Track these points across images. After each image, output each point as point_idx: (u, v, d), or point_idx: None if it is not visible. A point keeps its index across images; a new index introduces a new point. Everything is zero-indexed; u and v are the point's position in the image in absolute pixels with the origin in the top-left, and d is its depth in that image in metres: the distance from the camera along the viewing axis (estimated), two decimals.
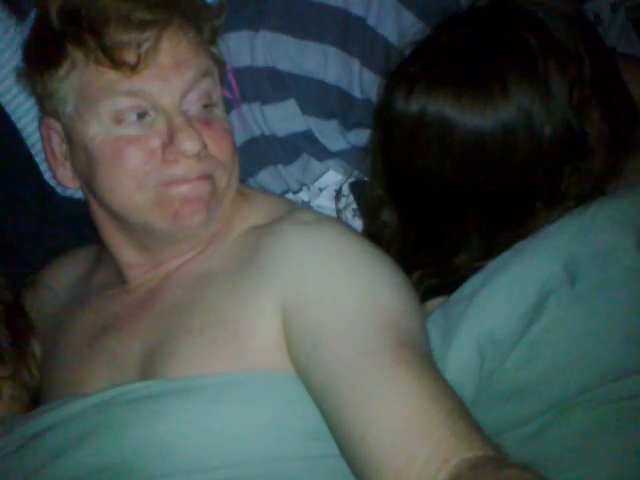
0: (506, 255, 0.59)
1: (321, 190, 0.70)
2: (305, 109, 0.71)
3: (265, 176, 0.73)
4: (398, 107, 0.60)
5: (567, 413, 0.54)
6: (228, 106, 0.69)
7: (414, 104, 0.59)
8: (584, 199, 0.60)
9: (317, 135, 0.71)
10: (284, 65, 0.71)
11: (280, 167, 0.72)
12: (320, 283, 0.54)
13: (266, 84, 0.71)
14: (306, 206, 0.73)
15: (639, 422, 0.53)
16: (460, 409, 0.47)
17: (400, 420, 0.46)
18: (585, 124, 0.57)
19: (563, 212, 0.59)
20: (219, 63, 0.63)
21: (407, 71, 0.61)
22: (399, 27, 0.68)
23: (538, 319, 0.55)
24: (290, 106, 0.71)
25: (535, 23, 0.56)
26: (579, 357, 0.55)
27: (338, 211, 0.70)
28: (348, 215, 0.70)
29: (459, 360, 0.56)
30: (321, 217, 0.63)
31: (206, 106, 0.58)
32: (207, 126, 0.57)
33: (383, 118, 0.63)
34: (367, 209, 0.69)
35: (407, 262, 0.66)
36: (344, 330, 0.51)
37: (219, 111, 0.60)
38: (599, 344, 0.54)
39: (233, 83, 0.71)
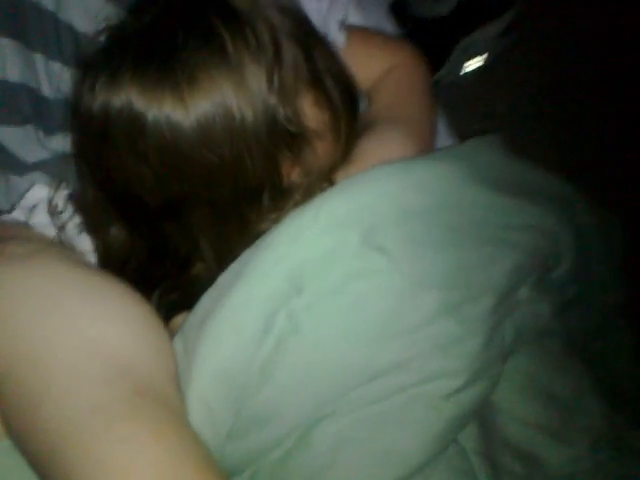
0: (233, 269, 0.54)
1: (33, 209, 0.59)
2: None
3: None
4: (85, 104, 0.51)
5: (308, 433, 0.51)
6: None
7: (99, 99, 0.50)
8: (312, 191, 0.56)
9: (8, 146, 0.59)
10: None
11: None
12: (30, 334, 0.45)
13: None
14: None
15: (388, 424, 0.51)
16: (206, 459, 0.44)
17: None
18: (294, 111, 0.52)
19: (292, 207, 0.55)
20: None
21: (92, 62, 0.51)
22: (86, 10, 0.57)
23: (266, 341, 0.51)
24: None
25: (224, 8, 0.49)
26: (312, 372, 0.51)
27: (58, 229, 0.59)
28: (73, 233, 0.60)
29: (200, 402, 0.50)
30: (36, 248, 0.53)
31: None
32: None
33: (74, 118, 0.53)
34: (89, 224, 0.59)
35: (145, 280, 0.59)
36: (65, 387, 0.43)
37: None
38: (332, 354, 0.51)
39: None
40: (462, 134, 0.82)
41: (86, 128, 0.52)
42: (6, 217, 0.62)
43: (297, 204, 0.55)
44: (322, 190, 0.55)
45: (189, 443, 0.45)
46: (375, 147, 0.60)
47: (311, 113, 0.53)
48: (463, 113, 1.18)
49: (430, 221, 0.54)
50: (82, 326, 0.46)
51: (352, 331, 0.51)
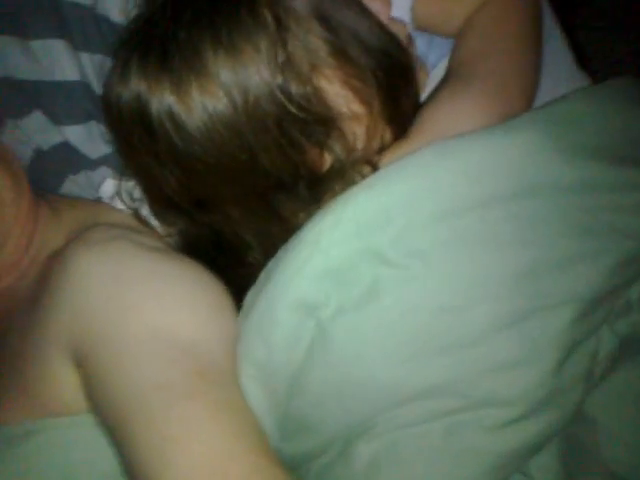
0: (269, 267, 0.50)
1: (111, 200, 0.62)
2: (57, 119, 0.61)
3: (68, 186, 0.66)
4: (105, 98, 0.50)
5: (348, 448, 0.47)
6: None
7: (113, 92, 0.48)
8: (351, 180, 0.49)
9: (76, 145, 0.61)
10: (20, 72, 0.60)
11: (71, 177, 0.64)
12: (105, 316, 0.49)
13: (10, 97, 0.61)
14: None
15: (428, 450, 0.45)
16: (262, 443, 0.45)
17: (199, 460, 0.43)
18: (311, 93, 0.45)
19: (331, 198, 0.49)
20: None
21: (114, 55, 0.50)
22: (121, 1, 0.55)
23: (297, 349, 0.47)
24: (37, 119, 0.61)
25: None
26: (344, 387, 0.46)
27: (134, 213, 0.61)
28: (149, 218, 0.62)
29: (250, 395, 0.49)
30: (114, 235, 0.55)
31: None
32: None
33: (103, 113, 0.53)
34: (153, 211, 0.60)
35: (215, 264, 0.59)
36: (131, 366, 0.47)
37: None
38: (362, 370, 0.46)
39: None
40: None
41: (109, 124, 0.52)
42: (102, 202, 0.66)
43: (336, 194, 0.49)
44: (363, 177, 0.48)
45: (246, 426, 0.45)
46: (437, 117, 0.49)
47: (334, 92, 0.46)
48: None
49: (489, 215, 0.44)
50: (147, 310, 0.49)
51: (383, 347, 0.45)
